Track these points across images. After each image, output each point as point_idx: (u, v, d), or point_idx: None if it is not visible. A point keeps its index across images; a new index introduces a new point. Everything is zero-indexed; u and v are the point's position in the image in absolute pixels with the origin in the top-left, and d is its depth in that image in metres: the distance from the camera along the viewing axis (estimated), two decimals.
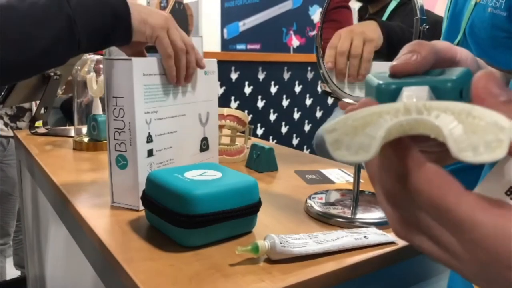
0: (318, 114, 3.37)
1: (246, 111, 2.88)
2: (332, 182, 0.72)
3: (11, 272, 1.87)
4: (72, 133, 1.06)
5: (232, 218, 0.46)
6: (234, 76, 2.90)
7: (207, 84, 0.69)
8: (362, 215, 0.54)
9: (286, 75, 3.16)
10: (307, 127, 3.33)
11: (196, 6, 3.17)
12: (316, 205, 0.56)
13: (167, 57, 0.59)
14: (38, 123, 1.16)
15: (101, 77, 0.92)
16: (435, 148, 0.33)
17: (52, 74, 1.07)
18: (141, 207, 0.53)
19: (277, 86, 3.12)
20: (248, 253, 0.41)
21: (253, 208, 0.48)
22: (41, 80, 1.09)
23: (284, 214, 0.56)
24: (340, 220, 0.52)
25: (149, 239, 0.47)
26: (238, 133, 0.87)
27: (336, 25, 0.61)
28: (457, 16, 0.73)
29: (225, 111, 0.82)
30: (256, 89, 3.03)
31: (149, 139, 0.57)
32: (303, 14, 3.28)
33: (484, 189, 0.29)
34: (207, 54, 2.43)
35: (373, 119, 0.24)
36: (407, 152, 0.23)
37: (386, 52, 0.56)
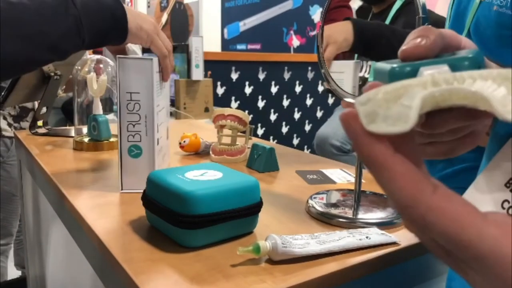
0: (319, 114, 3.36)
1: (246, 111, 2.87)
2: (333, 182, 0.71)
3: (12, 272, 1.87)
4: (73, 133, 1.05)
5: (233, 218, 0.45)
6: (234, 76, 2.90)
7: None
8: (364, 215, 0.53)
9: (287, 75, 3.15)
10: (307, 127, 3.32)
11: (197, 6, 3.16)
12: (317, 205, 0.56)
13: (164, 57, 0.68)
14: (40, 124, 1.15)
15: (101, 77, 0.92)
16: (447, 137, 0.32)
17: (52, 74, 1.07)
18: None
19: (277, 86, 3.11)
20: (250, 253, 0.41)
21: (255, 208, 0.48)
22: (41, 80, 1.08)
23: (285, 214, 0.56)
24: (342, 220, 0.52)
25: (150, 239, 0.47)
26: (239, 133, 0.86)
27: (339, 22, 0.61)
28: (461, 15, 0.72)
29: (226, 111, 0.82)
30: (256, 89, 3.02)
31: (157, 129, 0.64)
32: (303, 14, 3.27)
33: (484, 181, 0.29)
34: (208, 54, 2.43)
35: (404, 91, 0.22)
36: (415, 178, 0.20)
37: (361, 49, 0.58)
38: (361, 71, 0.57)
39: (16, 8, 0.56)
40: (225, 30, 3.19)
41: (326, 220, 0.53)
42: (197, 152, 0.88)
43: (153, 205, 0.48)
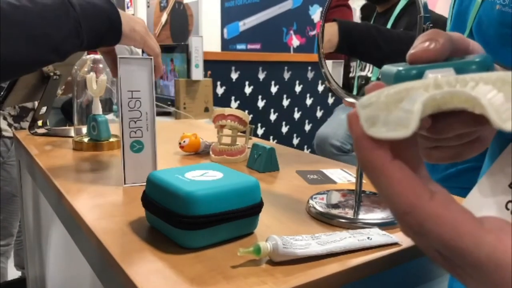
0: (319, 113, 3.36)
1: (246, 111, 2.87)
2: (334, 182, 0.71)
3: (12, 273, 1.86)
4: (72, 133, 1.05)
5: (233, 219, 0.45)
6: (234, 76, 2.90)
7: None
8: (365, 216, 0.53)
9: (286, 75, 3.15)
10: (307, 127, 3.32)
11: (196, 6, 3.16)
12: (318, 205, 0.56)
13: (157, 56, 0.71)
14: (40, 124, 1.15)
15: (101, 77, 0.91)
16: (454, 142, 0.32)
17: (51, 74, 1.07)
18: None
19: (277, 86, 3.11)
20: (250, 254, 0.41)
21: (255, 208, 0.47)
22: (40, 80, 1.08)
23: (286, 214, 0.55)
24: (342, 220, 0.52)
25: (150, 240, 0.47)
26: (239, 133, 0.86)
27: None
28: (463, 14, 0.72)
29: (226, 111, 0.82)
30: (256, 89, 3.02)
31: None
32: (303, 13, 3.27)
33: (488, 182, 0.28)
34: (207, 54, 2.42)
35: (406, 94, 0.22)
36: (413, 185, 0.20)
37: (347, 50, 0.61)
38: (363, 70, 0.57)
39: (20, 11, 0.58)
40: (225, 30, 3.19)
41: (326, 220, 0.53)
42: (197, 152, 0.88)
43: (152, 205, 0.48)
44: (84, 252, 0.57)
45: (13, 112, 1.62)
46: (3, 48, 0.57)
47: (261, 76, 3.03)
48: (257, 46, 3.18)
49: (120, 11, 0.68)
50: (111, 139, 0.93)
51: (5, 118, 1.59)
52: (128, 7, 4.16)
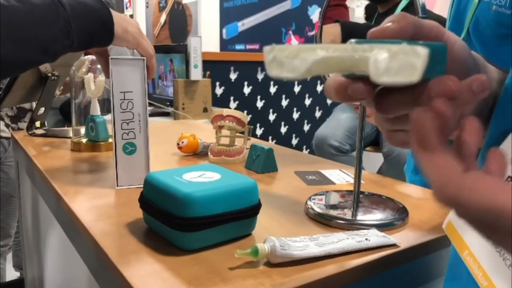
0: (318, 114, 3.36)
1: (245, 111, 2.87)
2: (332, 183, 0.71)
3: (10, 274, 1.86)
4: (70, 134, 1.05)
5: (231, 220, 0.45)
6: (233, 76, 2.90)
7: None
8: (363, 217, 0.53)
9: None
10: (306, 127, 3.32)
11: (195, 7, 3.16)
12: (316, 206, 0.55)
13: (150, 57, 0.71)
14: (37, 124, 1.15)
15: (99, 78, 0.91)
16: (407, 125, 0.34)
17: (49, 74, 1.06)
18: None
19: (276, 86, 3.11)
20: (248, 256, 0.41)
21: (253, 210, 0.47)
22: (38, 80, 1.08)
23: (284, 215, 0.55)
24: (341, 222, 0.52)
25: (147, 242, 0.46)
26: (238, 134, 0.86)
27: (331, 23, 0.62)
28: (461, 14, 0.72)
29: (225, 111, 0.82)
30: (255, 89, 3.02)
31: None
32: (302, 14, 3.27)
33: None
34: (206, 55, 2.42)
35: (316, 49, 0.26)
36: (447, 159, 0.22)
37: None
38: None
39: (9, 11, 0.57)
40: (224, 30, 3.18)
41: (325, 221, 0.53)
42: (195, 153, 0.88)
43: (150, 207, 0.47)
44: (82, 253, 0.57)
45: (11, 112, 1.61)
46: None
47: (260, 76, 3.03)
48: (256, 47, 3.18)
49: (113, 11, 0.68)
50: (110, 140, 0.93)
51: (2, 119, 1.59)
52: (127, 8, 4.16)
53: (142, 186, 0.63)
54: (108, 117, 1.05)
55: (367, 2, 1.49)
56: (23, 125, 1.63)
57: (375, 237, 0.46)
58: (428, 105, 0.23)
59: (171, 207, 0.44)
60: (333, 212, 0.54)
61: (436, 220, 0.55)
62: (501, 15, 0.61)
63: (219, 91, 2.83)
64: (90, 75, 0.92)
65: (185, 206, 0.43)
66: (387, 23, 0.30)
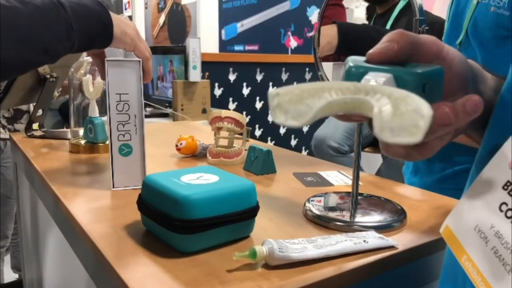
0: None
1: (244, 112, 2.87)
2: (331, 184, 0.71)
3: (8, 275, 1.86)
4: (69, 136, 1.05)
5: (229, 222, 0.45)
6: (232, 77, 2.90)
7: None
8: (361, 219, 0.53)
9: (284, 76, 3.15)
10: (305, 128, 3.32)
11: (194, 7, 3.16)
12: (314, 208, 0.55)
13: (147, 60, 0.71)
14: (36, 126, 1.15)
15: (98, 79, 0.91)
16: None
17: (48, 76, 1.06)
18: None
19: (275, 87, 3.10)
20: (246, 258, 0.41)
21: (251, 212, 0.47)
22: (37, 82, 1.08)
23: (282, 217, 0.55)
24: (339, 223, 0.52)
25: (145, 244, 0.46)
26: (236, 135, 0.86)
27: (328, 23, 0.62)
28: (459, 16, 0.72)
29: (223, 113, 0.82)
30: (254, 90, 3.02)
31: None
32: (300, 15, 3.27)
33: (481, 184, 0.29)
34: (205, 56, 2.42)
35: (318, 92, 0.26)
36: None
37: (344, 50, 0.62)
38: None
39: (11, 12, 0.57)
40: (223, 31, 3.19)
41: (323, 223, 0.53)
42: (194, 154, 0.88)
43: (148, 209, 0.47)
44: (80, 255, 0.57)
45: (7, 114, 1.61)
46: None
47: (259, 77, 3.03)
48: (255, 48, 3.18)
49: (111, 13, 0.68)
50: (108, 142, 0.93)
51: None
52: (126, 8, 4.16)
53: (138, 187, 0.64)
54: (107, 118, 1.05)
55: (366, 3, 1.49)
56: (20, 126, 1.63)
57: (373, 239, 0.46)
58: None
59: (169, 209, 0.44)
60: (332, 214, 0.54)
61: (434, 222, 0.55)
62: (500, 16, 0.61)
63: (218, 92, 2.83)
64: (89, 76, 0.92)
65: (183, 208, 0.43)
66: (385, 42, 0.29)
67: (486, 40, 0.66)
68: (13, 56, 0.59)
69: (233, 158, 0.82)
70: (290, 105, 0.26)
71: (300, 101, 0.26)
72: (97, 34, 0.66)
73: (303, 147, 3.33)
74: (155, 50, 2.36)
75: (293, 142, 3.28)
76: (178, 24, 3.37)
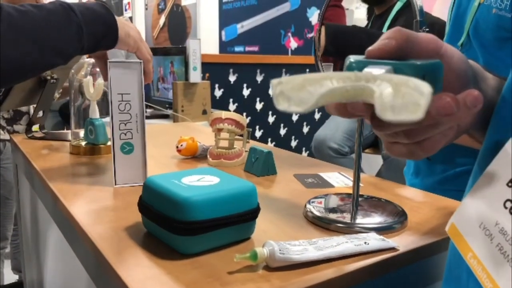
0: (317, 115, 3.36)
1: (244, 114, 2.87)
2: (331, 186, 0.71)
3: (9, 277, 1.86)
4: (69, 137, 1.05)
5: (230, 224, 0.45)
6: (232, 78, 2.90)
7: None
8: (362, 220, 0.53)
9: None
10: (305, 129, 3.32)
11: (194, 9, 3.16)
12: (315, 209, 0.55)
13: (148, 62, 0.74)
14: (35, 128, 1.14)
15: (98, 81, 0.91)
16: (404, 140, 0.34)
17: (48, 77, 1.06)
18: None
19: None
20: (247, 260, 0.41)
21: (252, 214, 0.47)
22: (37, 83, 1.08)
23: (283, 219, 0.55)
24: (340, 225, 0.52)
25: (146, 246, 0.46)
26: (237, 137, 0.86)
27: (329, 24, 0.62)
28: (461, 17, 0.72)
29: (223, 114, 0.82)
30: (254, 91, 3.02)
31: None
32: (301, 16, 3.28)
33: (486, 181, 0.29)
34: (205, 57, 2.42)
35: (320, 81, 0.26)
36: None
37: (334, 52, 0.63)
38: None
39: (27, 16, 0.60)
40: (223, 32, 3.19)
41: (324, 225, 0.53)
42: (194, 155, 0.88)
43: (149, 211, 0.47)
44: (80, 257, 0.57)
45: (7, 115, 1.61)
46: (13, 52, 0.59)
47: (259, 78, 3.03)
48: (255, 49, 3.18)
49: (116, 17, 0.71)
50: (108, 143, 0.93)
51: None
52: (126, 10, 4.16)
53: (139, 184, 0.67)
54: (107, 119, 1.06)
55: (366, 4, 1.50)
56: (19, 127, 1.63)
57: (374, 241, 0.46)
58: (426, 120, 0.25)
59: (170, 211, 0.44)
60: (332, 216, 0.54)
61: (435, 223, 0.55)
62: (501, 18, 0.61)
63: (218, 93, 2.84)
64: (89, 78, 0.92)
65: (184, 210, 0.43)
66: (384, 39, 0.30)
67: (488, 42, 0.66)
68: (30, 58, 0.61)
69: (234, 159, 0.82)
70: (292, 92, 0.27)
71: (302, 89, 0.26)
72: (103, 36, 0.69)
73: (303, 148, 3.33)
74: (155, 51, 2.35)
75: (294, 143, 3.28)
76: (178, 25, 3.38)
